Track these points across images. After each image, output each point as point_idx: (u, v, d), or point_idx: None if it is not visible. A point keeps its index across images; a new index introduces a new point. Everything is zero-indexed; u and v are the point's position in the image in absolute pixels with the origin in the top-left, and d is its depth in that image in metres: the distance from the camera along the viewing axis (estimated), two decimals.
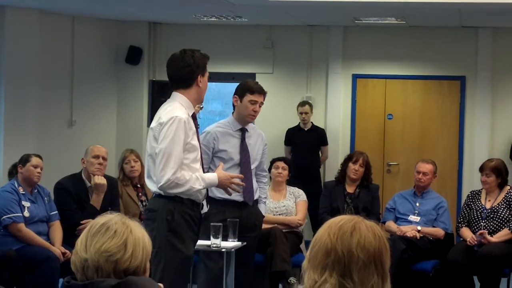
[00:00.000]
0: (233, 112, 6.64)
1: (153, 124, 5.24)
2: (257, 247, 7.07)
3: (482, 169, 8.21)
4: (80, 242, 2.62)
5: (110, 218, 2.64)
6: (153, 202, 5.46)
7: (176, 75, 5.34)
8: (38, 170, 7.49)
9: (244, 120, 6.56)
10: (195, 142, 5.25)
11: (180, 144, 5.09)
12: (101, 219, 2.65)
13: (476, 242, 7.82)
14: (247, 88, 6.53)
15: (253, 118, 6.64)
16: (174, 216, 5.15)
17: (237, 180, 5.60)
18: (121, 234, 2.59)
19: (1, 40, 10.01)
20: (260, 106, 6.56)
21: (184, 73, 5.31)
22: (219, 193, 6.44)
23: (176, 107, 5.18)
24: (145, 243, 2.64)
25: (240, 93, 6.53)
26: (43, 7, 10.16)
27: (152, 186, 5.29)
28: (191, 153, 5.20)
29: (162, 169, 5.09)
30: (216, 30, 11.59)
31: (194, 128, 5.27)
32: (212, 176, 5.37)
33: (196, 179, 5.17)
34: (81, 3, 9.93)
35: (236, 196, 6.49)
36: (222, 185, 5.49)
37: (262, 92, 6.57)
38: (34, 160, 7.50)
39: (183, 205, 5.20)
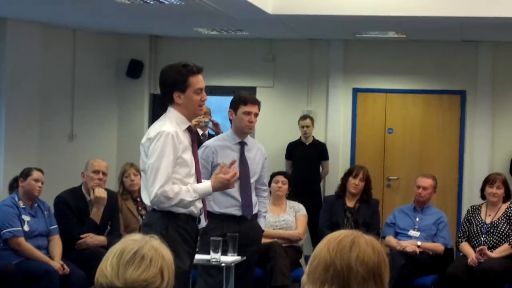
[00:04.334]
0: (231, 126, 6.63)
1: (143, 140, 5.22)
2: (257, 262, 7.06)
3: (493, 181, 8.20)
4: (110, 267, 2.56)
5: (140, 244, 2.61)
6: (148, 216, 5.45)
7: (160, 91, 5.36)
8: (39, 184, 7.49)
9: (242, 133, 6.54)
10: (187, 156, 5.18)
11: (168, 158, 5.04)
12: (131, 244, 2.60)
13: (476, 264, 7.79)
14: (240, 99, 6.50)
15: (250, 130, 6.56)
16: (168, 230, 5.12)
17: (231, 175, 5.34)
18: (156, 262, 2.59)
19: (2, 53, 10.02)
20: (255, 117, 6.50)
21: (161, 91, 5.31)
22: (217, 208, 6.43)
23: (165, 122, 5.16)
24: (173, 265, 2.65)
25: (234, 106, 6.50)
26: (45, 20, 10.18)
27: (146, 201, 5.27)
28: (183, 168, 5.14)
29: (151, 184, 5.06)
30: (217, 43, 11.62)
31: (186, 143, 5.20)
32: (204, 186, 5.24)
33: (187, 190, 5.10)
34: (82, 16, 9.95)
35: (235, 211, 6.48)
36: (221, 189, 5.42)
37: (256, 102, 6.51)
38: (35, 174, 7.50)
39: (178, 219, 5.17)
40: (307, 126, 10.85)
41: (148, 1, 8.29)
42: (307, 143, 10.92)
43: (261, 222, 6.77)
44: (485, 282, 7.66)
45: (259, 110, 6.55)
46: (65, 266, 7.31)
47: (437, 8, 8.79)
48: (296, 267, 8.11)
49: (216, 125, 9.17)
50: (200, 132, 9.06)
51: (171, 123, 5.14)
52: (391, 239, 8.20)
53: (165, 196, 5.03)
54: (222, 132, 8.45)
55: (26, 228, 7.36)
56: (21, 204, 7.42)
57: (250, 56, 11.67)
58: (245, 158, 6.55)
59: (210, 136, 8.69)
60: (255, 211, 6.65)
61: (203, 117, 8.80)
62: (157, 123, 5.23)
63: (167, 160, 5.04)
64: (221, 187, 5.32)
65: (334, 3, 8.90)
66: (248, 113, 6.43)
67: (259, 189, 6.77)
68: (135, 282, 2.55)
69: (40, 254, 7.33)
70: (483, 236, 8.03)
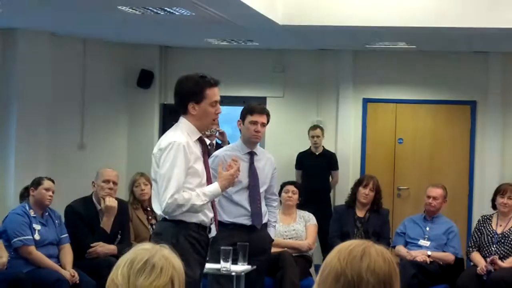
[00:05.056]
0: (240, 136, 6.67)
1: (154, 150, 5.25)
2: (267, 271, 7.07)
3: (504, 191, 8.20)
4: (121, 276, 2.57)
5: (151, 253, 2.61)
6: (159, 226, 5.49)
7: (174, 101, 5.36)
8: (50, 193, 7.52)
9: (249, 142, 6.57)
10: (198, 167, 5.21)
11: (180, 167, 5.06)
12: (142, 253, 2.61)
13: (485, 272, 7.79)
14: (247, 109, 6.56)
15: (257, 139, 6.60)
16: (179, 239, 5.13)
17: (235, 170, 5.41)
18: (167, 271, 2.59)
19: (13, 63, 10.06)
20: (262, 126, 6.53)
21: (176, 101, 5.31)
22: (227, 217, 6.46)
23: (176, 133, 5.18)
24: (183, 274, 2.66)
25: (242, 115, 6.57)
26: (55, 30, 10.22)
27: (157, 210, 5.29)
28: (194, 178, 5.17)
29: (163, 194, 5.09)
30: (227, 53, 11.63)
31: (197, 153, 5.23)
32: (213, 187, 5.28)
33: (197, 195, 5.13)
34: (92, 26, 9.99)
35: (244, 220, 6.50)
36: (228, 186, 5.43)
37: (263, 112, 6.55)
38: (46, 183, 7.53)
39: (189, 228, 5.20)
40: (317, 136, 10.85)
41: (158, 12, 8.31)
42: (317, 153, 10.92)
43: (271, 232, 6.80)
44: None
45: (267, 120, 6.58)
46: (75, 274, 7.33)
47: (447, 19, 8.78)
48: (306, 277, 8.11)
49: (222, 134, 9.18)
50: (208, 141, 9.06)
51: (183, 134, 5.17)
52: (401, 249, 8.20)
53: (177, 204, 5.06)
54: (228, 142, 8.47)
55: (36, 236, 7.38)
56: (31, 213, 7.45)
57: (260, 67, 11.69)
58: (255, 168, 6.58)
59: (218, 145, 8.71)
60: (264, 220, 6.67)
61: None
62: (169, 133, 5.26)
63: (179, 170, 5.06)
64: (228, 184, 5.35)
65: (344, 14, 8.91)
66: (255, 123, 6.47)
67: (269, 198, 6.80)
68: None
69: (50, 263, 7.36)
70: (494, 246, 8.02)
